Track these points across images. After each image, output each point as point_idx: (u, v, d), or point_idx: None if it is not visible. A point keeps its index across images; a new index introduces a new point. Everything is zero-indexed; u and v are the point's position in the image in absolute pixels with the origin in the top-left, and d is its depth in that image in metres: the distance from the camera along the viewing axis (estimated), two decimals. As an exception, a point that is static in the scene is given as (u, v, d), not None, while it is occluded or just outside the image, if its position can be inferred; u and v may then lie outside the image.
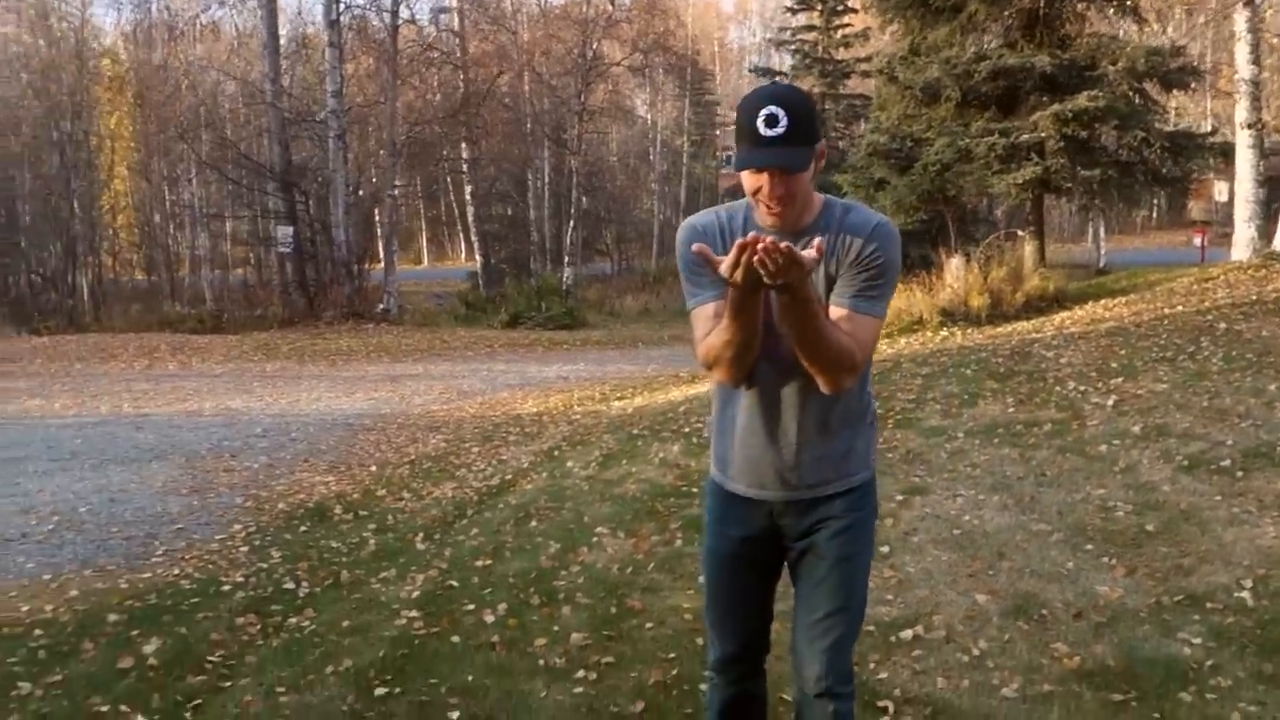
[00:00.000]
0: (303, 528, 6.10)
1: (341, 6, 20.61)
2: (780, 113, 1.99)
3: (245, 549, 5.65)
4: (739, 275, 1.88)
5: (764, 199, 2.09)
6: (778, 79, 34.03)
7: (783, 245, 1.82)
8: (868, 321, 2.15)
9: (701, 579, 2.60)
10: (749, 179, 2.09)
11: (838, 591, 2.31)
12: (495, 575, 4.83)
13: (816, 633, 2.30)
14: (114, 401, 11.32)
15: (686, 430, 7.77)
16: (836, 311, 2.14)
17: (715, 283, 2.07)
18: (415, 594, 4.64)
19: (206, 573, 5.17)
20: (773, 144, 2.01)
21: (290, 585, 4.90)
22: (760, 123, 2.00)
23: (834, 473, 2.31)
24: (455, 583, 4.75)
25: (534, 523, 5.74)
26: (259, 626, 4.30)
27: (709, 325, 2.15)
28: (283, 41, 23.93)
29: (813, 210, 2.18)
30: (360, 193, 24.20)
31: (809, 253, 1.89)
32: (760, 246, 1.81)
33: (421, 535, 5.74)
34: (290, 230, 21.05)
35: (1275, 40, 19.85)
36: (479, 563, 5.04)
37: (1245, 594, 3.96)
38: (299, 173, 22.54)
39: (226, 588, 4.88)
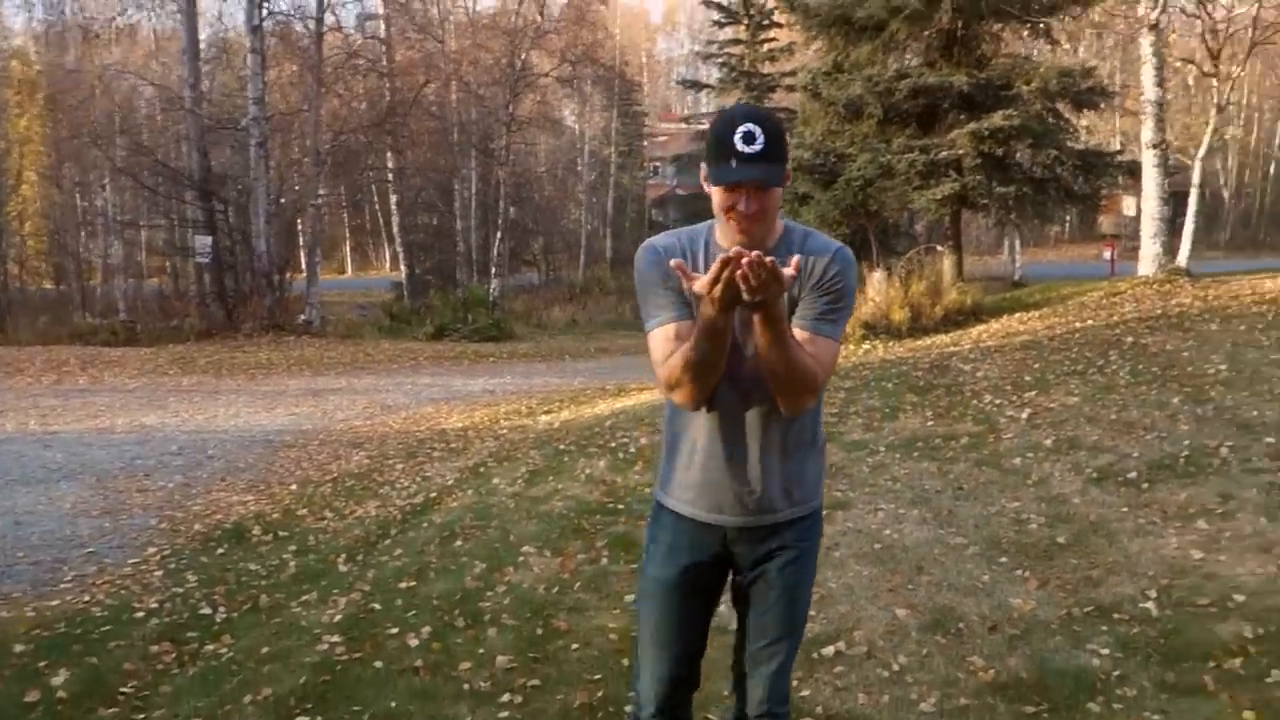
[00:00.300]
0: (220, 550, 5.99)
1: (264, 12, 20.29)
2: (757, 130, 2.04)
3: (159, 573, 5.52)
4: (718, 290, 1.91)
5: (737, 215, 2.11)
6: (705, 91, 34.47)
7: (766, 259, 1.85)
8: (828, 344, 2.20)
9: (635, 604, 2.60)
10: (722, 196, 2.11)
11: (784, 619, 2.35)
12: (419, 597, 4.79)
13: (762, 658, 2.36)
14: (20, 419, 10.97)
15: (613, 445, 7.79)
16: (799, 334, 2.16)
17: (676, 303, 2.16)
18: (337, 618, 4.58)
19: (118, 599, 5.05)
20: (751, 160, 2.05)
21: (207, 610, 4.82)
22: (738, 139, 2.03)
23: (788, 499, 2.33)
24: (378, 605, 4.71)
25: (459, 542, 5.71)
26: (174, 655, 4.22)
27: (670, 346, 2.15)
28: (203, 46, 23.51)
29: (774, 234, 2.22)
30: (282, 201, 23.81)
31: (788, 270, 1.91)
32: (745, 260, 1.84)
33: (344, 556, 5.68)
34: (208, 239, 20.66)
35: (1179, 64, 20.48)
36: (403, 584, 5.00)
37: (1150, 604, 4.10)
38: (218, 181, 22.13)
39: (140, 614, 4.77)
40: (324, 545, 5.98)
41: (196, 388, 13.63)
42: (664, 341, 2.18)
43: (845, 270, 2.22)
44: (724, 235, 2.20)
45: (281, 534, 6.29)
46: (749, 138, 2.04)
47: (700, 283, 1.93)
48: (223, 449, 9.29)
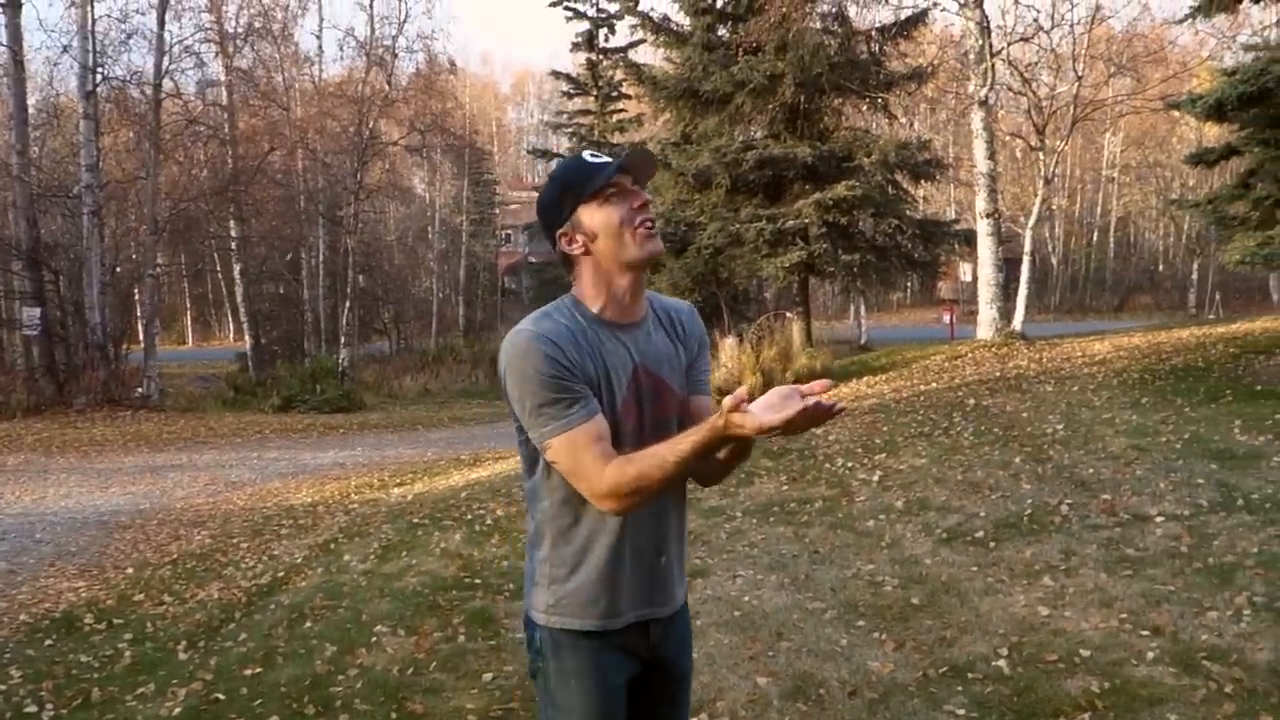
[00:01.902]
0: (48, 641, 5.59)
1: (98, 77, 19.63)
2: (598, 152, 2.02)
3: (-21, 669, 5.12)
4: (780, 424, 1.66)
5: (640, 212, 1.94)
6: (556, 160, 34.77)
7: (840, 406, 1.71)
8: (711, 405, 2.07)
9: None
10: (619, 208, 1.93)
11: (684, 711, 2.22)
12: (266, 684, 4.55)
13: None
14: None
15: (469, 517, 7.63)
16: (700, 400, 2.09)
17: (584, 395, 1.89)
18: (177, 710, 4.31)
19: (-68, 699, 4.65)
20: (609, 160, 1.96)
21: (32, 708, 4.46)
22: (590, 158, 1.98)
23: (683, 578, 2.18)
24: (221, 695, 4.45)
25: (308, 623, 5.46)
26: (-7, 759, 3.89)
27: (599, 448, 1.86)
28: (32, 111, 22.46)
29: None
30: (118, 270, 22.87)
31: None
32: (828, 398, 1.67)
33: (184, 643, 5.36)
34: (37, 311, 19.62)
35: (1008, 138, 21.68)
36: (248, 671, 4.74)
37: (1002, 662, 4.18)
38: (49, 250, 21.12)
39: (-44, 716, 4.40)
40: (162, 632, 5.64)
41: (24, 467, 12.83)
42: (587, 444, 1.87)
43: (701, 325, 2.18)
44: (621, 254, 1.95)
45: (116, 621, 5.91)
46: (596, 155, 1.99)
47: (769, 420, 1.67)
48: (52, 532, 8.74)
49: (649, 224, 1.95)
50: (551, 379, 1.87)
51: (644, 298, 2.05)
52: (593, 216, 1.94)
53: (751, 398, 1.72)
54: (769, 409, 1.69)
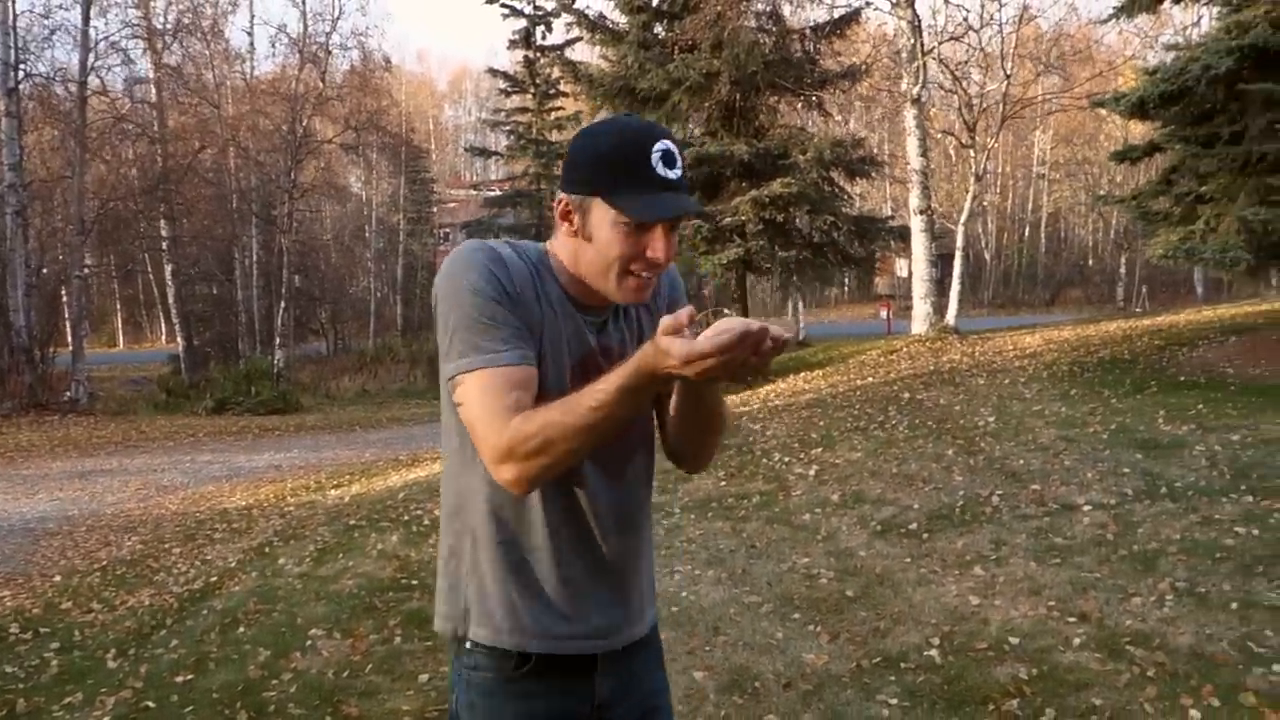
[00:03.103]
0: (-29, 652, 5.47)
1: (20, 74, 19.17)
2: (675, 150, 1.55)
3: (-101, 682, 4.99)
4: (716, 365, 1.31)
5: (647, 268, 1.58)
6: (494, 158, 34.65)
7: (785, 336, 1.38)
8: None
9: None
10: (627, 242, 1.55)
11: None
12: (198, 691, 4.49)
13: None
14: None
15: (406, 518, 7.57)
16: None
17: (523, 338, 1.55)
18: (105, 719, 4.24)
19: None
20: (676, 188, 1.55)
21: (-46, 721, 4.37)
22: (658, 161, 1.53)
23: (649, 594, 1.84)
24: (152, 703, 4.38)
25: (242, 629, 5.39)
26: (-86, 774, 3.80)
27: (511, 397, 1.49)
28: (-48, 109, 21.90)
29: None
30: (44, 272, 22.36)
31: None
32: (771, 339, 1.32)
33: (113, 651, 5.26)
34: (-40, 314, 19.17)
35: (940, 135, 21.99)
36: (179, 678, 4.67)
37: (934, 652, 4.25)
38: (-29, 251, 20.62)
39: (-126, 730, 4.29)
40: (91, 640, 5.54)
41: (-55, 474, 12.50)
42: (503, 388, 1.50)
43: (681, 284, 1.86)
44: (597, 282, 1.61)
45: (43, 630, 5.78)
46: (669, 159, 1.54)
47: (701, 345, 1.30)
48: (-25, 541, 8.53)
49: (648, 278, 1.60)
50: (490, 302, 1.53)
51: None
52: (601, 222, 1.56)
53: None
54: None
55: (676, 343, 1.32)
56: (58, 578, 7.16)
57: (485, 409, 1.50)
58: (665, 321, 1.34)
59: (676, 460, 1.84)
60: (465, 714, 1.69)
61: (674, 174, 1.53)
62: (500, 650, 1.64)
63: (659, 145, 1.53)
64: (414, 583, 5.89)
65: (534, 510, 1.62)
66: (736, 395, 12.12)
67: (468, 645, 1.66)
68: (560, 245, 1.64)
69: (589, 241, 1.58)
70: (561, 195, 1.60)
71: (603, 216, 1.55)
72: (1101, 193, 30.05)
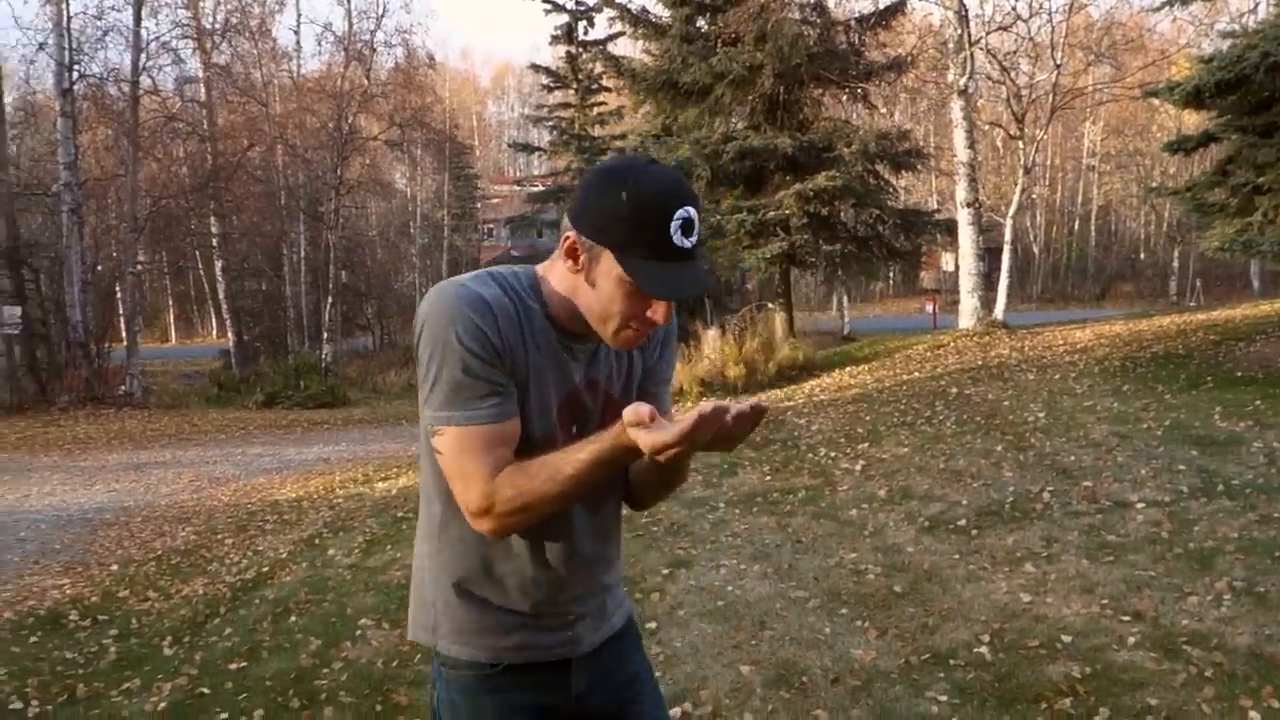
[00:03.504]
0: (33, 638, 5.56)
1: (74, 75, 19.48)
2: (695, 218, 1.52)
3: (-40, 668, 5.09)
4: (676, 440, 1.34)
5: (643, 326, 1.59)
6: (537, 154, 34.71)
7: (762, 406, 1.39)
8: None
9: None
10: (630, 301, 1.55)
11: (653, 710, 1.89)
12: (251, 678, 4.54)
13: None
14: None
15: (451, 512, 7.61)
16: (653, 395, 1.76)
17: (508, 390, 1.56)
18: (162, 705, 4.30)
19: (-88, 701, 4.62)
20: (689, 259, 1.53)
21: (18, 705, 4.44)
22: (676, 230, 1.50)
23: (620, 592, 1.87)
24: (206, 689, 4.44)
25: (293, 618, 5.45)
26: (-26, 760, 3.87)
27: (495, 455, 1.53)
28: (9, 110, 22.28)
29: None
30: (99, 269, 22.76)
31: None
32: (749, 410, 1.36)
33: (169, 639, 5.35)
34: (17, 310, 19.51)
35: (987, 127, 21.75)
36: (233, 665, 4.73)
37: (984, 649, 4.20)
38: (28, 249, 21.02)
39: (-64, 717, 4.38)
40: (147, 628, 5.63)
41: (6, 465, 12.74)
42: (483, 447, 1.53)
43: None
44: (595, 324, 1.61)
45: (101, 618, 5.89)
46: (689, 228, 1.51)
47: (663, 438, 1.35)
48: (36, 530, 8.70)
49: (643, 335, 1.62)
50: (472, 357, 1.52)
51: None
52: (607, 275, 1.54)
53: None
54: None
55: (642, 434, 1.37)
56: (115, 567, 7.29)
57: (464, 468, 1.54)
58: (628, 414, 1.39)
59: (628, 499, 1.83)
60: (446, 711, 1.72)
61: (690, 242, 1.51)
62: (479, 662, 1.69)
63: (680, 213, 1.49)
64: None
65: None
66: (781, 391, 12.07)
67: (446, 651, 1.71)
68: (557, 276, 1.62)
69: (592, 287, 1.57)
70: (570, 233, 1.57)
71: (610, 270, 1.53)
72: (1154, 184, 29.57)
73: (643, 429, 1.37)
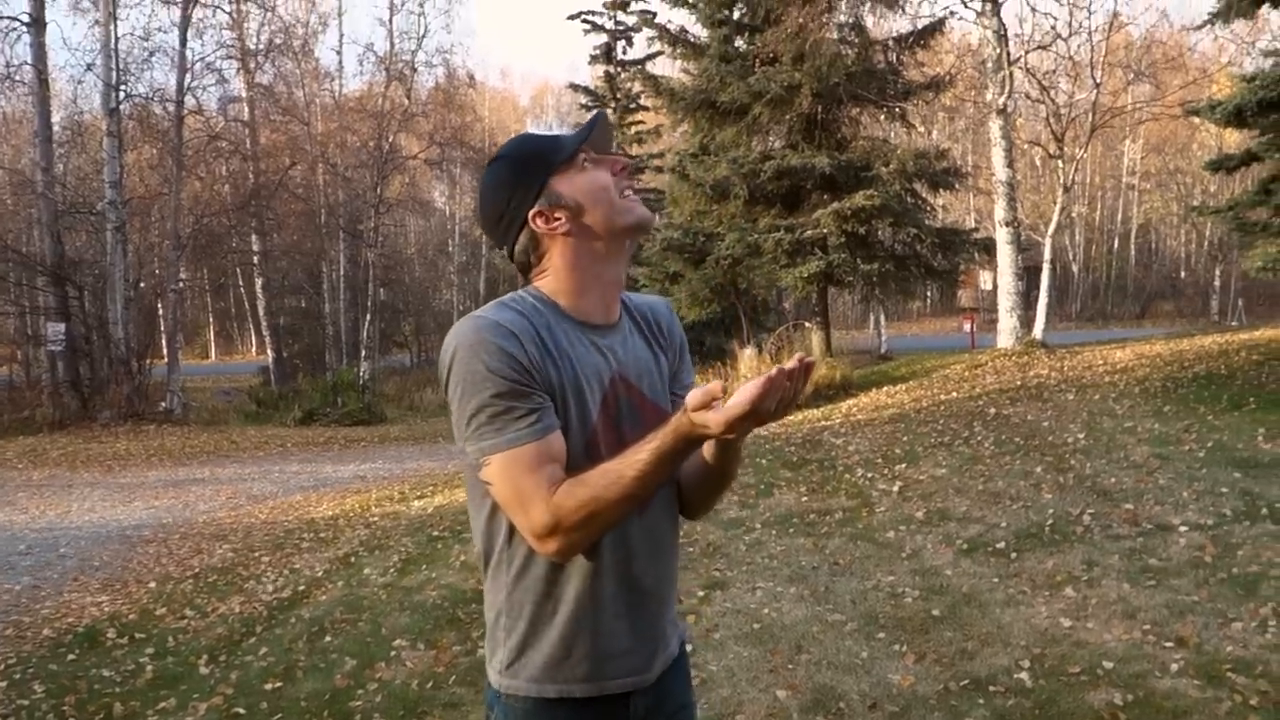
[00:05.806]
0: (71, 656, 5.63)
1: (121, 95, 19.83)
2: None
3: (3, 684, 5.15)
4: (768, 409, 1.38)
5: (626, 179, 1.69)
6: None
7: (809, 360, 1.43)
8: None
9: None
10: (600, 170, 1.67)
11: None
12: (286, 699, 4.58)
13: None
14: None
15: (488, 530, 7.63)
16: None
17: (546, 406, 1.55)
18: (198, 725, 4.34)
19: (-43, 715, 4.70)
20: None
21: (55, 723, 4.51)
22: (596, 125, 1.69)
23: (674, 621, 1.82)
24: (242, 710, 4.48)
25: (329, 637, 5.49)
26: (18, 774, 3.92)
27: (545, 473, 1.51)
28: (56, 129, 22.71)
29: None
30: (141, 286, 23.09)
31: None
32: (799, 366, 1.40)
33: (205, 657, 5.40)
34: (61, 326, 19.81)
35: (1026, 146, 21.62)
36: (268, 686, 4.77)
37: (1024, 674, 4.16)
38: (73, 266, 21.34)
39: (-19, 731, 4.44)
40: (184, 646, 5.68)
41: (48, 481, 12.93)
42: (533, 466, 1.51)
43: (677, 319, 1.89)
44: (617, 219, 1.66)
45: (138, 636, 5.95)
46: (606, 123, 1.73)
47: (740, 401, 1.37)
48: (76, 546, 8.81)
49: (633, 191, 1.69)
50: (504, 381, 1.52)
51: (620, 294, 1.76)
52: (573, 184, 1.64)
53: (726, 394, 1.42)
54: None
55: (710, 415, 1.39)
56: (152, 584, 7.36)
57: (520, 491, 1.52)
58: (694, 397, 1.40)
59: (687, 511, 1.82)
60: None
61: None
62: (528, 691, 1.66)
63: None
64: (497, 595, 5.92)
65: (573, 560, 1.62)
66: (818, 410, 12.02)
67: (496, 680, 1.71)
68: (552, 270, 1.68)
69: (581, 210, 1.64)
70: (530, 213, 1.65)
71: (569, 180, 1.65)
72: (1195, 203, 29.25)
73: (708, 411, 1.39)
